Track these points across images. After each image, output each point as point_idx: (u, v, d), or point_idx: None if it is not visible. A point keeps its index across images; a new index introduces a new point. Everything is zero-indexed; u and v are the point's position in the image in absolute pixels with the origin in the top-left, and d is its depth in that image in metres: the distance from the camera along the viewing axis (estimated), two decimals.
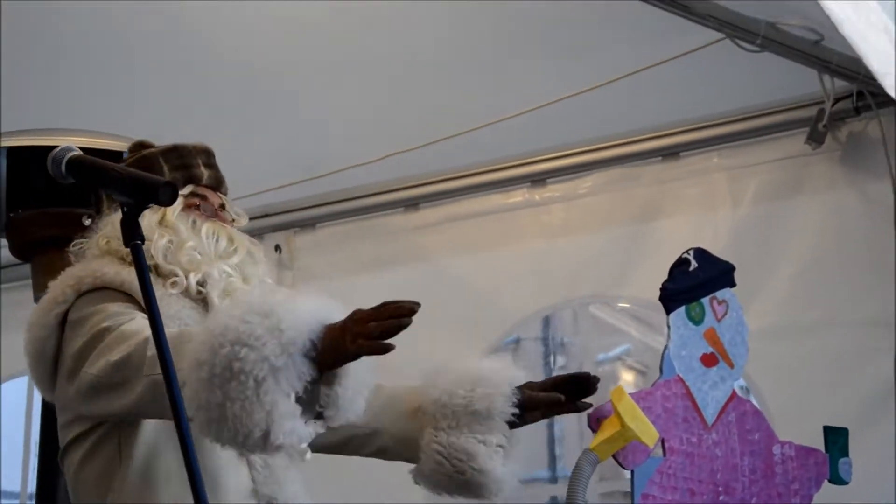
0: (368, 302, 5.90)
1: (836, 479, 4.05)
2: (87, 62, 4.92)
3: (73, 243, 3.25)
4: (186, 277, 3.13)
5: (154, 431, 3.12)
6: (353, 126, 5.42)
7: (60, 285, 3.11)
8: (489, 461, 3.31)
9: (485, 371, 3.45)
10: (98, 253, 3.20)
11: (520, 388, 3.41)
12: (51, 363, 3.12)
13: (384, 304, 2.70)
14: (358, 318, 2.67)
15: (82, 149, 2.77)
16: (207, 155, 3.40)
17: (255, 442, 2.68)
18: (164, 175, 3.21)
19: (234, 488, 3.16)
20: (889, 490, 4.68)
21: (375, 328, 2.64)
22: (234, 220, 3.39)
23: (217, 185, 3.38)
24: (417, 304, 2.69)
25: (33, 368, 3.18)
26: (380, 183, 5.81)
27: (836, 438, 4.07)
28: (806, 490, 4.00)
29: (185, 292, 3.14)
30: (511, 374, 3.43)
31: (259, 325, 2.59)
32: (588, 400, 3.57)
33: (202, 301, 3.16)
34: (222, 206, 3.37)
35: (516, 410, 3.40)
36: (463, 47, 5.00)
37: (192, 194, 3.29)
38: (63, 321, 3.03)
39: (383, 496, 5.65)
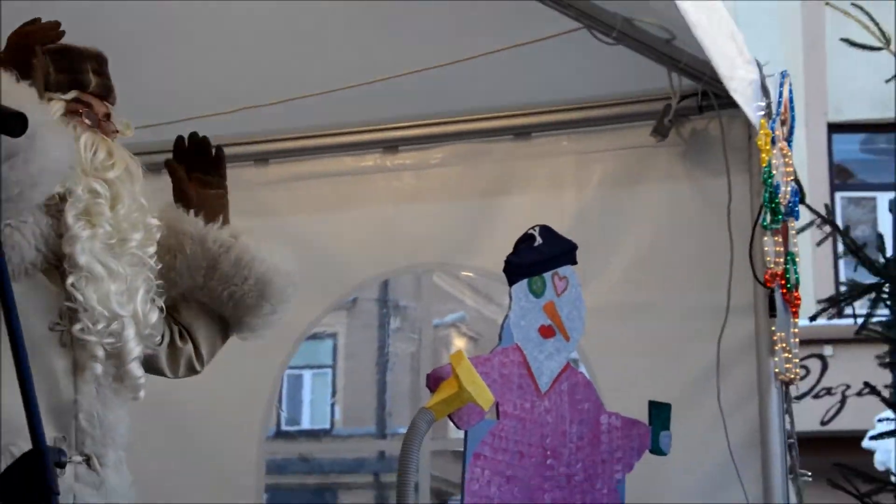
0: None
1: (657, 451, 4.24)
2: None
3: None
4: None
5: None
6: (212, 76, 5.38)
7: None
8: None
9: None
10: None
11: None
12: None
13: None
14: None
15: None
16: (98, 61, 3.33)
17: None
18: (50, 75, 3.18)
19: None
20: (707, 465, 4.90)
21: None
22: (117, 132, 3.33)
23: (105, 93, 3.31)
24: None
25: None
26: (232, 135, 5.54)
27: (660, 412, 4.25)
28: (628, 459, 4.18)
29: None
30: None
31: None
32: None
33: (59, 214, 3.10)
34: (107, 116, 3.31)
35: None
36: (330, 8, 4.93)
37: (76, 100, 3.22)
38: None
39: None
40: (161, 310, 3.29)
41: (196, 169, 3.59)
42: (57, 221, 3.09)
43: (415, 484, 3.92)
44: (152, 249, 3.27)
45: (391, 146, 5.72)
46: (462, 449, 3.80)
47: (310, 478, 17.31)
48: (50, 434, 2.88)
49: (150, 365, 3.56)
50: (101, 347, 3.06)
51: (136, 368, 3.16)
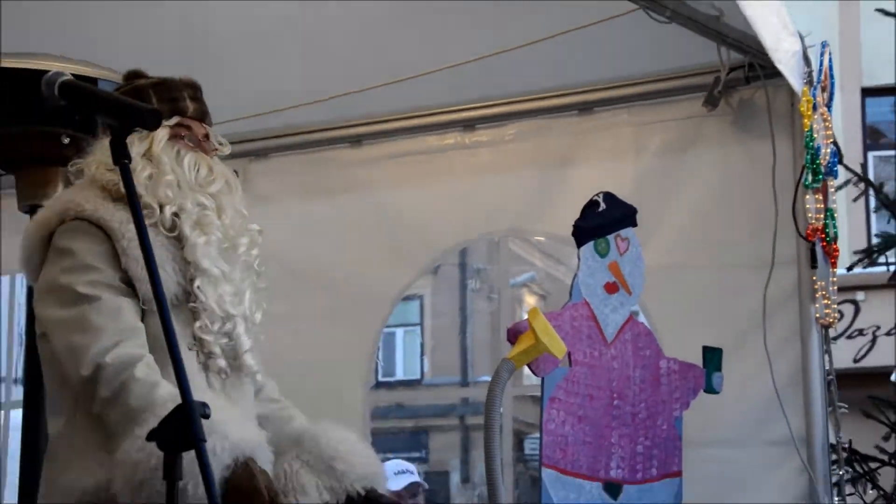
0: (314, 222, 5.98)
1: (710, 390, 4.33)
2: None
3: (70, 163, 3.27)
4: (161, 210, 3.12)
5: None
6: (308, 67, 5.38)
7: (49, 210, 3.17)
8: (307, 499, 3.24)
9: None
10: (87, 180, 3.21)
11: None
12: (35, 272, 3.15)
13: None
14: None
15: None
16: (194, 89, 3.37)
17: None
18: (151, 102, 3.17)
19: None
20: (755, 401, 4.88)
21: None
22: (216, 150, 3.38)
23: (202, 116, 3.35)
24: None
25: (24, 270, 3.29)
26: (329, 121, 5.76)
27: (712, 356, 4.34)
28: (685, 398, 4.28)
29: (160, 224, 3.12)
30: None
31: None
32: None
33: (176, 235, 3.14)
34: (206, 136, 3.35)
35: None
36: (405, 5, 4.97)
37: (178, 125, 3.26)
38: (48, 243, 3.06)
39: None
40: (264, 308, 3.37)
41: None
42: (178, 242, 3.15)
43: (499, 425, 4.00)
44: (256, 252, 3.35)
45: (469, 125, 5.70)
46: (539, 394, 3.87)
47: (406, 422, 17.45)
48: None
49: None
50: (217, 345, 3.15)
51: (249, 359, 3.24)
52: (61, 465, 2.98)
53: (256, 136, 5.86)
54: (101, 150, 3.11)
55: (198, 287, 3.11)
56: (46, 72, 2.70)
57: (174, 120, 3.24)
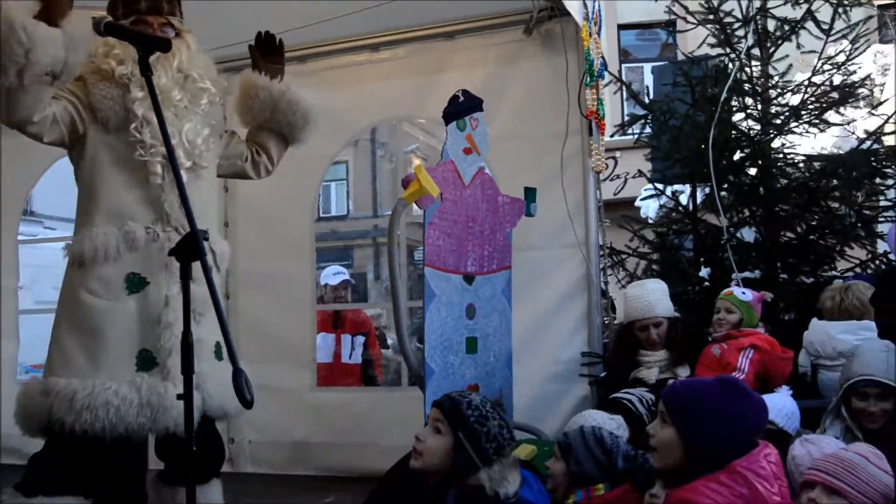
0: None
1: (529, 214, 4.42)
2: None
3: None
4: (114, 71, 2.89)
5: (94, 148, 2.94)
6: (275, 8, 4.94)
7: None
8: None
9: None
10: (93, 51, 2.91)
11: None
12: None
13: None
14: None
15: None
16: None
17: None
18: (119, 11, 2.94)
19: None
20: (556, 221, 4.93)
21: None
22: (178, 34, 3.03)
23: (155, 11, 2.98)
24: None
25: None
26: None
27: (530, 194, 4.44)
28: (514, 220, 4.37)
29: (115, 76, 2.88)
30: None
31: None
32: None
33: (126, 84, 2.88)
34: (163, 24, 2.99)
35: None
36: None
37: (136, 21, 2.93)
38: None
39: None
40: (207, 137, 3.08)
41: (266, 53, 3.44)
42: (127, 89, 2.91)
43: (397, 242, 4.15)
44: (204, 102, 3.07)
45: (375, 48, 5.66)
46: (422, 220, 3.89)
47: (339, 242, 17.51)
48: (149, 216, 2.92)
49: (242, 174, 3.56)
50: (157, 164, 2.90)
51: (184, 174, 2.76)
52: None
53: (234, 57, 5.48)
54: (103, 44, 2.92)
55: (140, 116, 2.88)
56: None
57: (132, 18, 2.94)
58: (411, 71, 5.56)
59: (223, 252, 3.23)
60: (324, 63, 5.76)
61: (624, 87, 5.83)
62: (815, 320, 4.26)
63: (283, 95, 3.36)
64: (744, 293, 4.16)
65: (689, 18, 5.51)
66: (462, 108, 4.08)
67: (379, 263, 18.24)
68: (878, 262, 5.21)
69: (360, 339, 6.69)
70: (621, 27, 15.24)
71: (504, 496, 2.44)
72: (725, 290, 4.24)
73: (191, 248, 2.26)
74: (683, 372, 4.07)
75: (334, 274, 7.01)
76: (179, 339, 2.35)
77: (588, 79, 4.77)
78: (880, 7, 12.37)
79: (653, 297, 4.18)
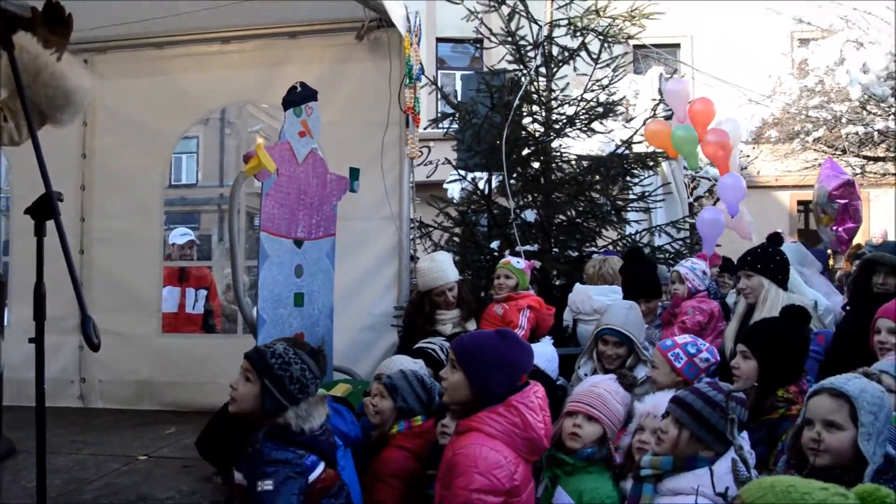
0: (135, 91, 5.50)
1: (352, 190, 4.40)
2: None
3: None
4: None
5: None
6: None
7: None
8: None
9: None
10: None
11: None
12: None
13: None
14: None
15: None
16: None
17: None
18: None
19: None
20: (375, 196, 4.95)
21: None
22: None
23: None
24: None
25: None
26: (143, 32, 5.38)
27: (354, 172, 4.44)
28: (339, 194, 4.34)
29: None
30: None
31: None
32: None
33: None
34: None
35: None
36: None
37: None
38: None
39: None
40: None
41: (51, 22, 2.58)
42: None
43: (238, 208, 4.07)
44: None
45: (226, 40, 5.51)
46: (260, 192, 3.81)
47: (187, 207, 16.88)
48: None
49: None
50: None
51: None
52: None
53: (99, 39, 5.43)
54: None
55: None
56: None
57: None
58: (257, 62, 5.44)
59: None
60: (179, 50, 5.56)
61: (437, 90, 5.88)
62: (578, 284, 4.52)
63: (48, 67, 2.61)
64: (518, 262, 4.34)
65: (492, 38, 5.65)
66: (299, 97, 4.03)
67: (222, 227, 17.67)
68: (625, 241, 5.60)
69: (203, 293, 6.56)
70: (439, 40, 15.32)
71: (309, 430, 2.45)
72: (504, 260, 4.41)
73: (45, 208, 2.10)
74: (471, 326, 4.21)
75: (181, 235, 6.86)
76: None
77: (407, 80, 4.85)
78: (635, 46, 13.16)
79: (444, 267, 4.23)
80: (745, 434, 2.34)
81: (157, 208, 5.67)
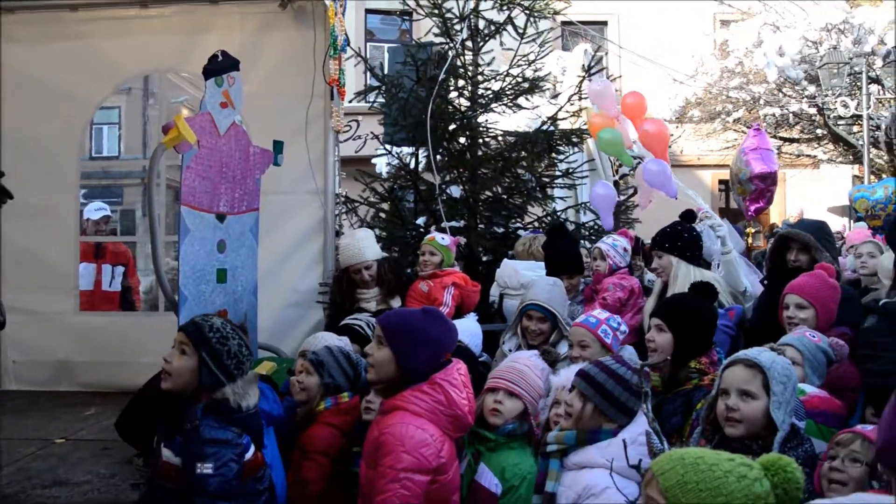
0: (52, 54, 5.30)
1: (276, 164, 4.31)
2: None
3: None
4: None
5: None
6: None
7: None
8: None
9: None
10: None
11: None
12: None
13: None
14: None
15: None
16: None
17: None
18: None
19: None
20: (300, 170, 4.89)
21: None
22: None
23: None
24: None
25: None
26: None
27: (278, 146, 4.35)
28: (263, 167, 4.23)
29: None
30: None
31: None
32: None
33: None
34: None
35: None
36: None
37: None
38: None
39: None
40: None
41: None
42: None
43: (157, 182, 3.94)
44: None
45: (144, 4, 5.31)
46: (180, 164, 3.71)
47: (107, 181, 16.30)
48: None
49: None
50: None
51: None
52: None
53: None
54: None
55: None
56: None
57: None
58: (177, 29, 5.29)
59: None
60: (94, 14, 5.37)
61: (364, 61, 5.79)
62: (505, 259, 4.54)
63: None
64: (444, 238, 4.33)
65: (419, 10, 5.58)
66: (220, 66, 3.91)
67: (144, 200, 17.16)
68: (550, 217, 5.63)
69: (120, 269, 6.31)
70: (368, 11, 14.92)
71: (245, 408, 2.39)
72: (428, 236, 4.39)
73: None
74: (395, 303, 4.18)
75: (96, 210, 6.55)
76: None
77: (332, 51, 4.77)
78: (563, 23, 13.24)
79: (363, 244, 4.18)
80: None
81: (74, 180, 5.47)
